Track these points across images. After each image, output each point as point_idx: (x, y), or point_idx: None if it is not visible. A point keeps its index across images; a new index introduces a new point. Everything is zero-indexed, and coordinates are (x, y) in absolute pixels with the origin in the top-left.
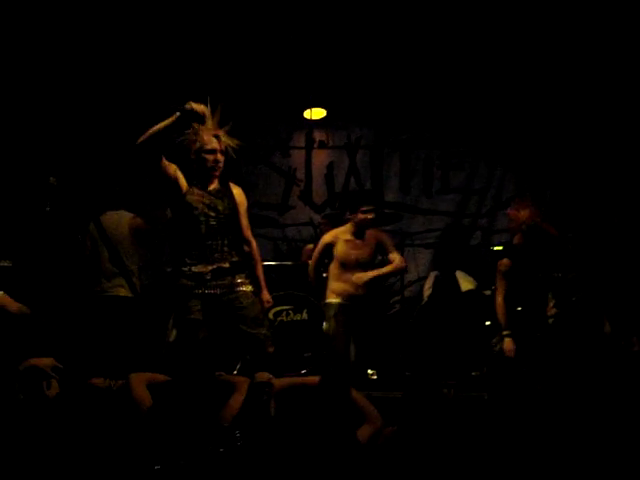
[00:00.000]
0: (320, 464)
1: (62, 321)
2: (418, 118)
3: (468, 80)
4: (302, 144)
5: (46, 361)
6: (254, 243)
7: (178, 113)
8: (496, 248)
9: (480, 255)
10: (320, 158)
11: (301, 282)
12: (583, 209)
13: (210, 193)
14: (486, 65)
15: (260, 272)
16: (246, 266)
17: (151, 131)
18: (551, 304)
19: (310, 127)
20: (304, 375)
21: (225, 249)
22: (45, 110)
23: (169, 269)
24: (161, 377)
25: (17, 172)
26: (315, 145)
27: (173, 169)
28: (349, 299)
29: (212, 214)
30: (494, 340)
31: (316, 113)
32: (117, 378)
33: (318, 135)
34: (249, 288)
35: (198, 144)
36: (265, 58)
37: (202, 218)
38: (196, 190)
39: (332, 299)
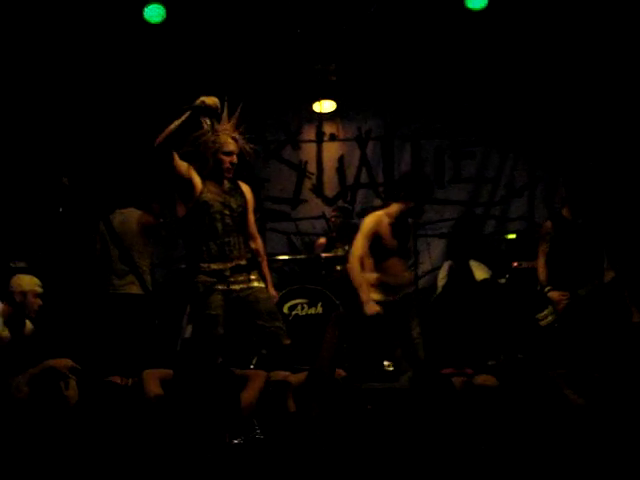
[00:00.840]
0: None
1: (76, 320)
2: (428, 108)
3: (478, 68)
4: (312, 137)
5: (63, 362)
6: (260, 239)
7: (190, 110)
8: (509, 236)
9: (494, 244)
10: (331, 151)
11: (315, 275)
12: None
13: (224, 191)
14: (496, 53)
15: (265, 268)
16: (257, 262)
17: (167, 131)
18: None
19: (320, 120)
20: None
21: (242, 246)
22: (56, 111)
23: (183, 266)
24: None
25: (30, 174)
26: (325, 138)
27: (185, 167)
28: (392, 291)
29: (227, 212)
30: (539, 315)
31: (326, 106)
32: (131, 376)
33: (328, 128)
34: (262, 284)
35: (217, 145)
36: (274, 51)
37: (218, 216)
38: (212, 188)
39: (372, 294)
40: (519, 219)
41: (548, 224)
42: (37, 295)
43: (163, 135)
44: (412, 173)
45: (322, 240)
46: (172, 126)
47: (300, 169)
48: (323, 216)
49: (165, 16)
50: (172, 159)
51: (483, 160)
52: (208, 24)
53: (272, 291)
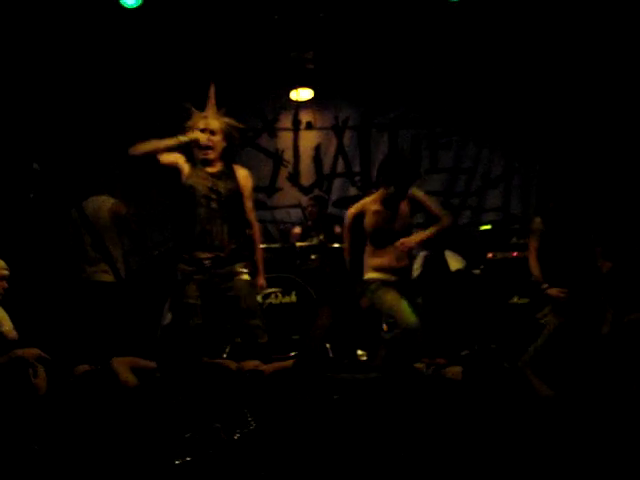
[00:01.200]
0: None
1: (47, 307)
2: (405, 97)
3: (455, 59)
4: (289, 125)
5: (32, 351)
6: (257, 226)
7: (181, 138)
8: (484, 227)
9: (469, 234)
10: (307, 139)
11: (289, 264)
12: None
13: (212, 175)
14: (474, 43)
15: (259, 256)
16: (245, 253)
17: (149, 148)
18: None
19: (297, 108)
20: (293, 358)
21: (225, 236)
22: (28, 96)
23: (156, 252)
24: (143, 362)
25: (0, 159)
26: (302, 126)
27: (173, 157)
28: (391, 272)
29: (213, 196)
30: (539, 314)
31: (303, 94)
32: (102, 364)
33: (305, 116)
34: (246, 277)
35: (192, 125)
36: (251, 38)
37: (203, 201)
38: (199, 172)
39: (371, 274)
40: (494, 210)
41: (537, 220)
42: (2, 278)
43: (143, 148)
44: (389, 158)
45: (297, 229)
46: (157, 144)
47: (276, 157)
48: (299, 205)
49: (141, 1)
50: (157, 161)
51: (459, 150)
52: (185, 9)
53: (261, 280)
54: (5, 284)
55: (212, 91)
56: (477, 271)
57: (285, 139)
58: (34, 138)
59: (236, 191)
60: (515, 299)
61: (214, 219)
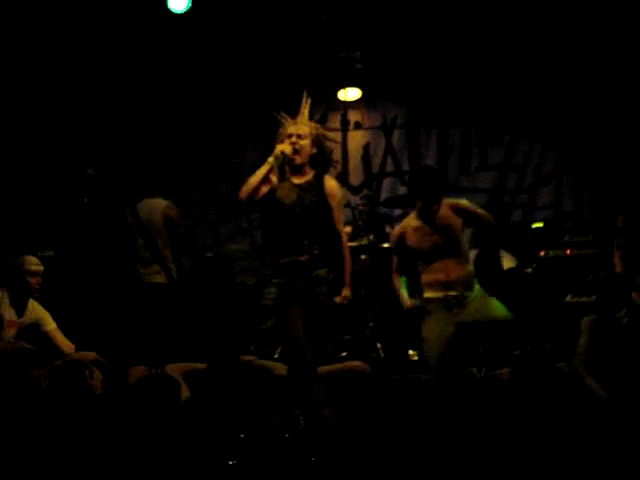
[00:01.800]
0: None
1: (102, 310)
2: (454, 95)
3: (504, 55)
4: (337, 125)
5: (89, 355)
6: (345, 238)
7: (271, 160)
8: (536, 225)
9: (521, 232)
10: (356, 139)
11: (340, 264)
12: (628, 184)
13: (298, 186)
14: (524, 38)
15: (346, 266)
16: (329, 260)
17: (250, 185)
18: None
19: (345, 108)
20: (344, 358)
21: (305, 242)
22: (83, 101)
23: (210, 254)
24: (194, 365)
25: (55, 164)
26: (350, 126)
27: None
28: (445, 287)
29: (297, 209)
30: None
31: (351, 94)
32: (157, 366)
33: (353, 116)
34: (324, 288)
35: (282, 135)
36: (299, 39)
37: (286, 211)
38: (286, 184)
39: (426, 293)
40: (546, 207)
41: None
42: (35, 274)
43: (247, 190)
44: (413, 171)
45: (348, 229)
46: (254, 179)
47: (324, 155)
48: (348, 204)
49: (190, 5)
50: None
51: (510, 147)
52: (233, 12)
53: (346, 292)
54: (40, 279)
55: (305, 99)
56: (529, 270)
57: (335, 138)
58: (88, 143)
59: (321, 202)
60: (569, 298)
61: (296, 227)
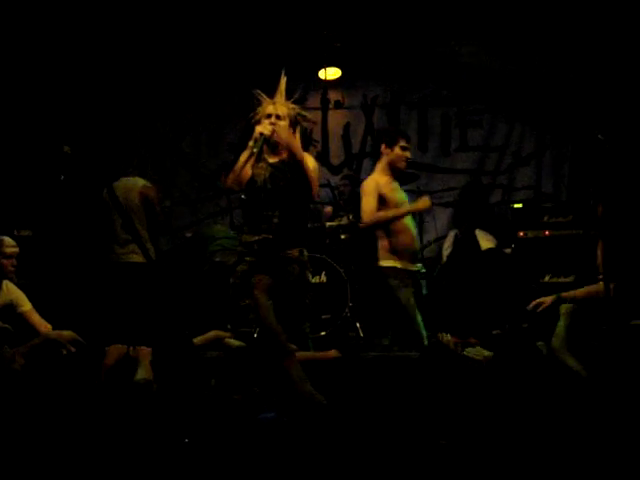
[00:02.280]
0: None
1: (78, 289)
2: (435, 76)
3: (484, 34)
4: (317, 105)
5: (66, 334)
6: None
7: (252, 144)
8: (516, 205)
9: (500, 213)
10: (336, 118)
11: (319, 244)
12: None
13: (272, 165)
14: (503, 19)
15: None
16: (302, 240)
17: (236, 171)
18: None
19: (325, 87)
20: (323, 338)
21: (275, 220)
22: (60, 78)
23: (188, 234)
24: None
25: (31, 141)
26: (331, 105)
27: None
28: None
29: (269, 186)
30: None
31: (331, 73)
32: (134, 344)
33: (333, 95)
34: (295, 268)
35: (259, 115)
36: (279, 18)
37: (260, 189)
38: (262, 164)
39: (394, 263)
40: (526, 188)
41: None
42: (10, 256)
43: (232, 177)
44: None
45: (329, 209)
46: (239, 165)
47: (305, 137)
48: (328, 184)
49: None
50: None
51: (490, 128)
52: None
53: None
54: (15, 261)
55: (283, 80)
56: (508, 250)
57: (314, 118)
58: (65, 120)
59: (295, 179)
60: (547, 278)
61: (268, 205)
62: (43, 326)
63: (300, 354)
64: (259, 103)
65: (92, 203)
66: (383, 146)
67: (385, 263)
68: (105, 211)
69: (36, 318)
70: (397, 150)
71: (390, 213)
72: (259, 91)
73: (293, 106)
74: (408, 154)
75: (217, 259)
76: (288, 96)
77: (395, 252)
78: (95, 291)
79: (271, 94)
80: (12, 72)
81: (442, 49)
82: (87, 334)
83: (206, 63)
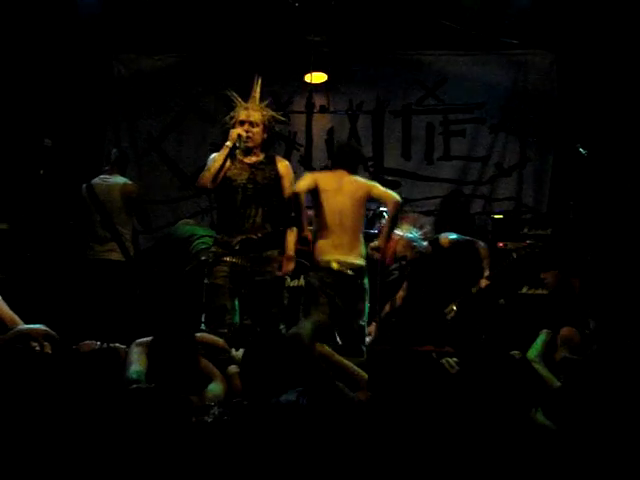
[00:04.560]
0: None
1: (55, 285)
2: (420, 84)
3: (472, 44)
4: (302, 108)
5: (39, 329)
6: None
7: (230, 144)
8: (496, 216)
9: (480, 223)
10: (321, 123)
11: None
12: (588, 176)
13: (251, 165)
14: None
15: (289, 239)
16: (280, 240)
17: (213, 171)
18: None
19: (311, 91)
20: None
21: (257, 220)
22: (41, 71)
23: (166, 230)
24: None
25: (12, 134)
26: (316, 109)
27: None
28: None
29: (250, 185)
30: None
31: (317, 77)
32: (109, 341)
33: (319, 100)
34: (274, 269)
35: (234, 120)
36: (267, 21)
37: (239, 189)
38: (238, 164)
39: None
40: (507, 199)
41: None
42: None
43: (210, 176)
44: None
45: (310, 212)
46: (216, 165)
47: (289, 140)
48: None
49: None
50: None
51: (473, 138)
52: None
53: (285, 263)
54: None
55: (257, 83)
56: None
57: (298, 122)
58: (46, 113)
59: (274, 179)
60: (524, 289)
61: (249, 204)
62: (10, 319)
63: None
64: (232, 106)
65: (71, 199)
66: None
67: None
68: (84, 208)
69: (4, 310)
70: None
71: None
72: (233, 93)
73: (266, 111)
74: None
75: (202, 258)
76: (261, 98)
77: None
78: (72, 287)
79: (245, 97)
80: None
81: (427, 57)
82: (62, 330)
83: (191, 63)
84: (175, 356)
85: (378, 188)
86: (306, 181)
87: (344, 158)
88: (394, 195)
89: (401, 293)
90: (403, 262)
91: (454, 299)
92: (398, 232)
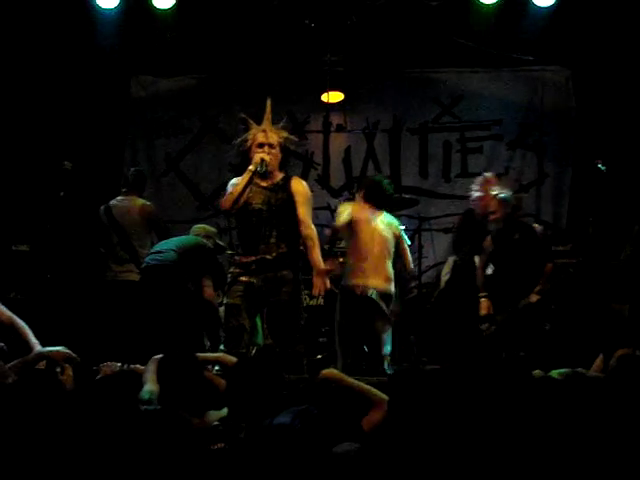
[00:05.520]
0: None
1: (76, 307)
2: (437, 102)
3: (485, 61)
4: (319, 127)
5: (60, 352)
6: (310, 229)
7: (253, 168)
8: None
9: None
10: (338, 142)
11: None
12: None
13: (266, 188)
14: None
15: (314, 256)
16: (297, 262)
17: (235, 195)
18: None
19: (327, 110)
20: (319, 361)
21: (272, 240)
22: (59, 94)
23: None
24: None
25: (32, 156)
26: (332, 129)
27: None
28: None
29: (264, 208)
30: None
31: (333, 96)
32: (129, 362)
33: (336, 118)
34: (289, 289)
35: (249, 142)
36: (283, 41)
37: (255, 212)
38: (254, 188)
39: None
40: (525, 216)
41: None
42: None
43: (232, 199)
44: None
45: (328, 231)
46: (239, 188)
47: (306, 159)
48: (328, 207)
49: (175, 2)
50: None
51: (491, 155)
52: (217, 13)
53: (317, 281)
54: None
55: (269, 105)
56: None
57: (315, 141)
58: (65, 135)
59: (288, 201)
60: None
61: (264, 226)
62: (7, 318)
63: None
64: (247, 128)
65: (90, 221)
66: None
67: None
68: (103, 230)
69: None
70: None
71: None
72: (245, 116)
73: (282, 133)
74: None
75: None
76: (278, 119)
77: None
78: (92, 308)
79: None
80: (13, 87)
81: (443, 74)
82: (82, 351)
83: (208, 84)
84: (179, 376)
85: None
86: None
87: (375, 197)
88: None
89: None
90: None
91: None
92: (493, 190)
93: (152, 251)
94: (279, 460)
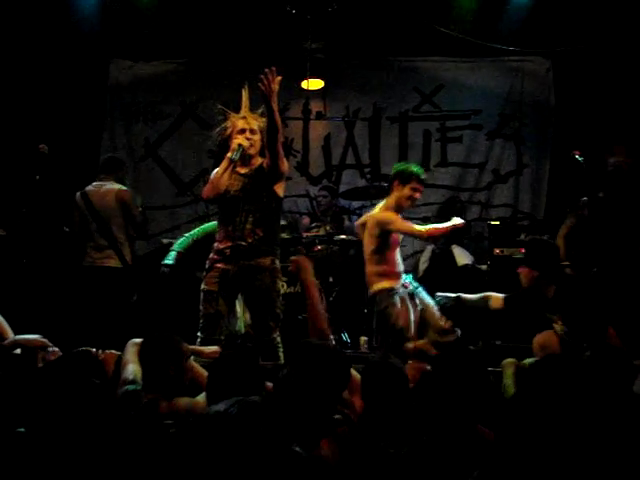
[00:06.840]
0: None
1: (52, 291)
2: (417, 90)
3: (468, 50)
4: (299, 115)
5: (34, 339)
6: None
7: (230, 155)
8: (493, 223)
9: (477, 230)
10: (317, 129)
11: (296, 254)
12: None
13: (244, 175)
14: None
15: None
16: (272, 247)
17: (215, 181)
18: None
19: (307, 98)
20: None
21: (248, 226)
22: (35, 77)
23: (165, 241)
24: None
25: (8, 140)
26: (312, 116)
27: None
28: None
29: (241, 195)
30: None
31: (314, 83)
32: (106, 348)
33: (315, 106)
34: (266, 277)
35: (229, 130)
36: (263, 28)
37: (233, 199)
38: (233, 175)
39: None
40: (503, 206)
41: None
42: None
43: (212, 188)
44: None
45: (306, 219)
46: (217, 176)
47: (285, 146)
48: (307, 195)
49: None
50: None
51: (470, 145)
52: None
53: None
54: None
55: (245, 93)
56: (484, 267)
57: (295, 128)
58: (42, 119)
59: (264, 181)
60: None
61: (240, 212)
62: None
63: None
64: (224, 118)
65: (67, 205)
66: (396, 182)
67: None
68: (80, 214)
69: None
70: (407, 190)
71: (441, 227)
72: (222, 106)
73: (261, 119)
74: (417, 195)
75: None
76: (255, 106)
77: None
78: (69, 294)
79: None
80: None
81: (424, 63)
82: (58, 338)
83: (188, 70)
84: (159, 360)
85: None
86: None
87: None
88: None
89: None
90: None
91: None
92: None
93: None
94: (211, 448)
